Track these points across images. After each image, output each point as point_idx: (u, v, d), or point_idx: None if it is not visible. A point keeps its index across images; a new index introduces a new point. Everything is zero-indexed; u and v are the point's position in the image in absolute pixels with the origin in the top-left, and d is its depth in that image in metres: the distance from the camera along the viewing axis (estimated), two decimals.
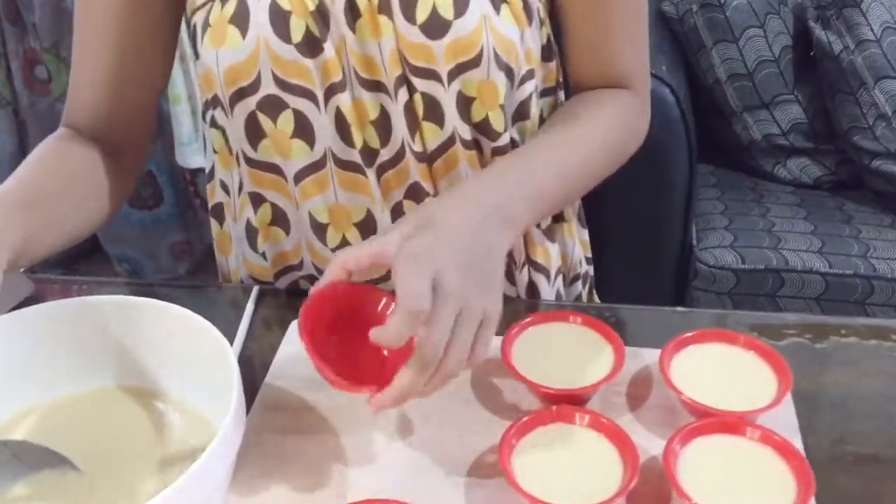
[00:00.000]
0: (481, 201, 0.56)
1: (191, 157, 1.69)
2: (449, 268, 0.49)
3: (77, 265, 2.08)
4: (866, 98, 1.51)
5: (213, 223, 0.81)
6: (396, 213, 0.71)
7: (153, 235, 1.97)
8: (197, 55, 0.68)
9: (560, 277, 0.79)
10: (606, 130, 0.69)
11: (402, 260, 0.48)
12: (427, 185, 0.69)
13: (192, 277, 2.03)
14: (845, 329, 0.69)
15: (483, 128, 0.67)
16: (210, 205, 0.80)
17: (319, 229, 0.72)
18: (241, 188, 0.74)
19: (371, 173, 0.68)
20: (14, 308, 0.58)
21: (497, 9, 0.63)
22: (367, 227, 0.71)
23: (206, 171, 0.79)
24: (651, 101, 1.33)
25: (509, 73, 0.65)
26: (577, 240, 0.81)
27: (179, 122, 1.65)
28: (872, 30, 1.49)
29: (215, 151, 0.75)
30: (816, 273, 1.42)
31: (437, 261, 0.49)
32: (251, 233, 0.76)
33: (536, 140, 0.66)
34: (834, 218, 1.55)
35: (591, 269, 0.86)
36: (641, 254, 1.49)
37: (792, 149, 1.63)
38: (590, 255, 0.85)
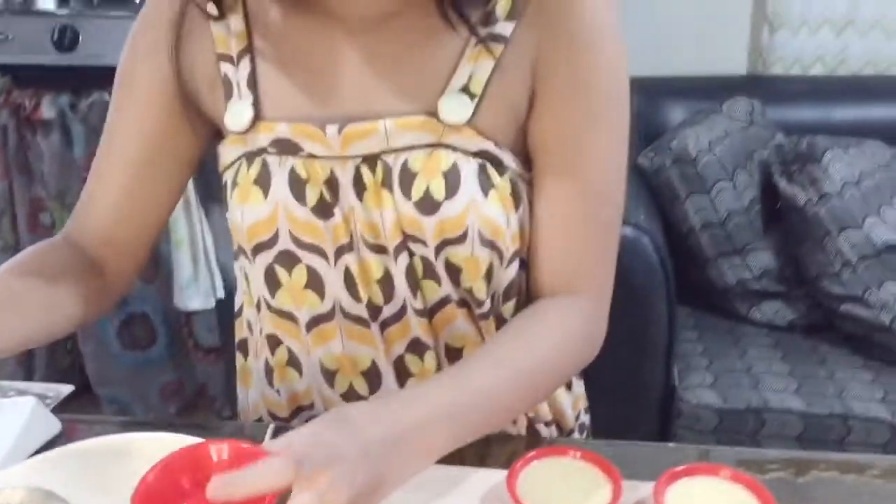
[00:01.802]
0: (401, 421, 0.57)
1: (189, 300, 1.74)
2: (337, 491, 0.50)
3: (65, 408, 2.08)
4: (831, 246, 1.61)
5: (239, 356, 0.86)
6: (399, 364, 0.75)
7: (144, 376, 1.99)
8: (227, 208, 0.75)
9: (554, 426, 0.84)
10: (554, 354, 0.69)
11: (299, 480, 0.49)
12: (427, 340, 0.74)
13: (182, 418, 2.04)
14: (825, 464, 0.73)
15: (470, 294, 0.73)
16: (237, 339, 0.86)
17: (328, 375, 0.77)
18: (260, 330, 0.80)
19: (375, 327, 0.74)
20: (42, 448, 0.61)
21: (485, 193, 0.69)
22: (373, 377, 0.76)
23: (236, 308, 0.85)
24: (631, 248, 1.43)
25: (496, 250, 0.71)
26: (573, 394, 0.85)
27: (180, 266, 1.71)
28: (833, 183, 1.61)
29: (243, 292, 0.81)
30: (795, 413, 1.47)
31: (330, 483, 0.50)
32: (269, 371, 0.81)
33: (478, 360, 0.67)
34: (809, 359, 1.62)
35: (587, 419, 0.90)
36: (626, 394, 1.54)
37: (765, 293, 1.72)
38: (587, 404, 0.89)
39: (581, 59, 0.68)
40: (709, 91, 1.98)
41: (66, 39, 1.82)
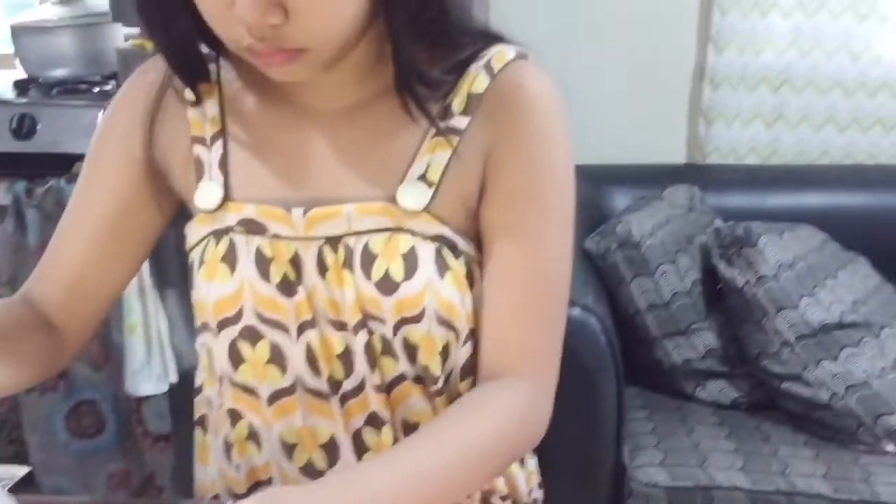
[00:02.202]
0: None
1: (142, 384, 1.73)
2: None
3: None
4: (770, 326, 1.67)
5: (197, 433, 0.87)
6: (357, 438, 0.77)
7: (92, 465, 1.95)
8: (192, 285, 0.78)
9: (510, 501, 0.85)
10: (492, 436, 0.70)
11: None
12: (385, 415, 0.77)
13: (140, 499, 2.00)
14: None
15: (426, 371, 0.76)
16: (196, 416, 0.87)
17: (288, 449, 0.79)
18: (220, 405, 0.81)
19: (335, 401, 0.76)
20: None
21: (441, 275, 0.73)
22: (332, 450, 0.78)
23: (196, 385, 0.86)
24: (579, 330, 1.47)
25: (452, 330, 0.74)
26: (527, 469, 0.87)
27: (133, 351, 1.71)
28: (769, 266, 1.68)
29: (204, 369, 0.83)
30: (741, 490, 1.51)
31: None
32: (228, 447, 0.82)
33: (418, 441, 0.69)
34: (753, 437, 1.66)
35: (541, 494, 0.91)
36: (578, 473, 1.56)
37: (709, 372, 1.77)
38: (540, 479, 0.91)
39: (530, 154, 0.73)
40: (651, 179, 2.07)
41: (24, 127, 1.85)
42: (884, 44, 2.10)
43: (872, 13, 2.07)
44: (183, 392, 1.84)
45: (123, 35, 1.60)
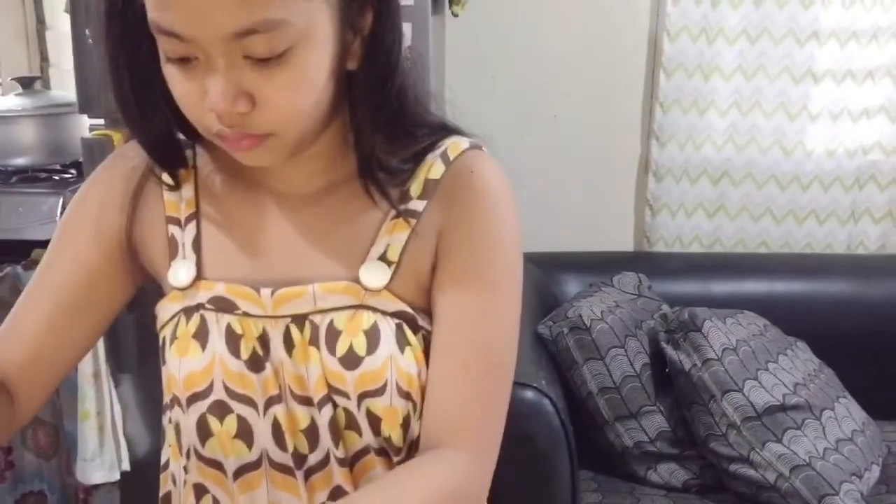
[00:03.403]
0: None
1: (93, 473, 1.70)
2: None
3: None
4: (717, 409, 1.73)
5: None
6: None
7: None
8: (164, 361, 0.80)
9: None
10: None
11: None
12: (349, 488, 0.78)
13: None
14: None
15: (388, 442, 0.78)
16: (161, 493, 0.87)
17: None
18: (185, 481, 0.82)
19: (300, 475, 0.78)
20: None
21: (402, 349, 0.76)
22: None
23: (162, 462, 0.87)
24: (534, 412, 1.50)
25: (411, 401, 0.77)
26: None
27: (85, 439, 1.69)
28: (714, 350, 1.75)
29: (170, 445, 0.84)
30: None
31: None
32: None
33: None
34: None
35: None
36: None
37: (660, 455, 1.80)
38: None
39: (480, 234, 0.78)
40: (600, 266, 2.15)
41: None
42: (813, 140, 2.24)
43: (803, 112, 2.21)
44: (136, 481, 1.81)
45: (88, 126, 1.64)
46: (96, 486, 1.86)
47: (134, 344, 1.70)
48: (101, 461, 1.70)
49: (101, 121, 1.64)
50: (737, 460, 1.71)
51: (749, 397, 1.72)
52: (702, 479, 1.80)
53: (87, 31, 1.48)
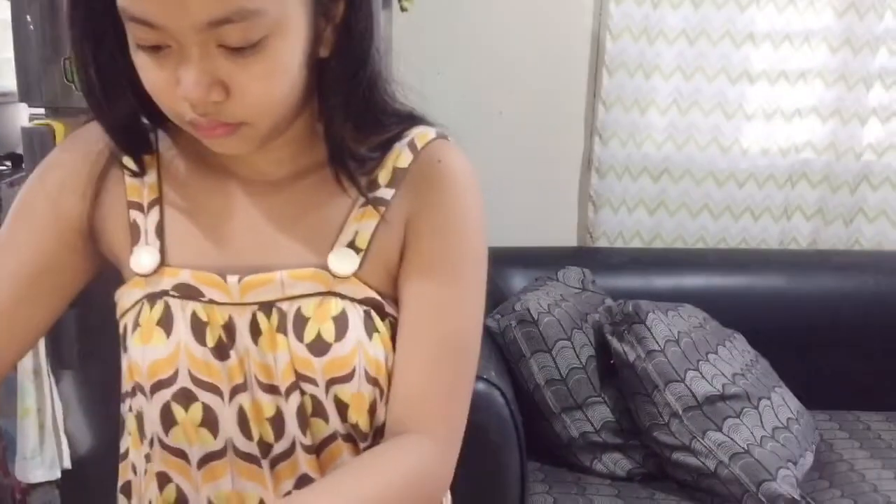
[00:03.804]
0: None
1: (32, 471, 1.66)
2: None
3: None
4: (660, 399, 1.77)
5: (122, 499, 0.87)
6: None
7: None
8: (125, 349, 0.79)
9: None
10: (387, 488, 0.71)
11: None
12: (315, 475, 0.79)
13: None
14: None
15: (356, 429, 0.79)
16: (120, 483, 0.86)
17: None
18: (146, 470, 0.81)
19: (265, 464, 0.78)
20: None
21: (370, 336, 0.77)
22: None
23: (121, 451, 0.86)
24: (484, 404, 1.52)
25: (378, 387, 0.78)
26: None
27: (25, 436, 1.64)
28: (657, 342, 1.79)
29: (129, 434, 0.83)
30: None
31: None
32: None
33: (316, 491, 0.69)
34: None
35: None
36: None
37: (605, 445, 1.84)
38: None
39: (446, 222, 0.79)
40: (545, 261, 2.18)
41: None
42: (749, 139, 2.31)
43: (738, 111, 2.28)
44: (76, 480, 1.77)
45: (28, 115, 1.60)
46: (34, 486, 1.81)
47: (75, 340, 1.66)
48: (41, 459, 1.66)
49: (41, 110, 1.60)
50: (679, 449, 1.76)
51: (690, 387, 1.76)
52: (645, 468, 1.84)
53: (27, 18, 1.44)
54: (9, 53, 2.30)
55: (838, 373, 2.16)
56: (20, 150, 2.06)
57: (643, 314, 1.82)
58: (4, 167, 2.01)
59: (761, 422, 1.80)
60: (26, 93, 1.52)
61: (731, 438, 1.74)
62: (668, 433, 1.76)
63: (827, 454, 1.94)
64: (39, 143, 1.50)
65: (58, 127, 1.54)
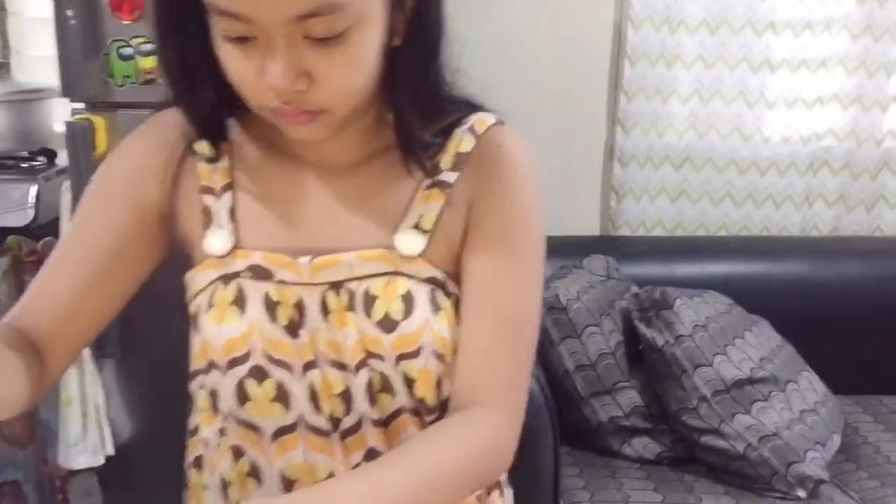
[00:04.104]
0: None
1: (76, 458, 1.70)
2: None
3: None
4: (688, 383, 1.79)
5: (193, 472, 0.89)
6: None
7: None
8: (197, 329, 0.82)
9: None
10: (457, 459, 0.74)
11: None
12: (382, 449, 0.82)
13: None
14: None
15: (422, 403, 0.82)
16: (191, 459, 0.89)
17: (287, 485, 0.82)
18: (219, 444, 0.84)
19: (335, 437, 0.81)
20: None
21: (436, 313, 0.80)
22: None
23: (189, 428, 0.89)
24: None
25: (443, 363, 0.81)
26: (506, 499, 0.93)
27: (68, 424, 1.68)
28: (685, 327, 1.82)
29: (201, 410, 0.86)
30: None
31: None
32: (225, 485, 0.85)
33: (387, 461, 0.74)
34: (677, 489, 1.76)
35: None
36: None
37: (634, 429, 1.87)
38: None
39: (506, 203, 0.82)
40: (569, 249, 2.20)
41: None
42: (770, 127, 2.33)
43: (760, 100, 2.29)
44: (114, 467, 1.81)
45: (70, 110, 1.63)
46: (73, 474, 1.85)
47: (116, 329, 1.69)
48: (84, 446, 1.70)
49: (81, 105, 1.63)
50: (708, 432, 1.78)
51: (719, 371, 1.79)
52: (673, 452, 1.87)
53: (68, 13, 1.47)
54: (41, 51, 2.34)
55: (862, 358, 2.18)
56: (53, 146, 2.10)
57: (671, 300, 1.84)
58: (38, 163, 2.05)
59: (789, 405, 1.82)
60: (69, 87, 1.55)
61: (760, 421, 1.76)
62: (697, 417, 1.79)
63: (852, 437, 1.96)
64: (82, 137, 1.53)
65: (98, 121, 1.58)
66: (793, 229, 2.39)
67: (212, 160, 0.83)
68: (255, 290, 0.79)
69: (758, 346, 1.92)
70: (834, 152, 2.34)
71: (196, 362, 0.84)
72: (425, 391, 0.80)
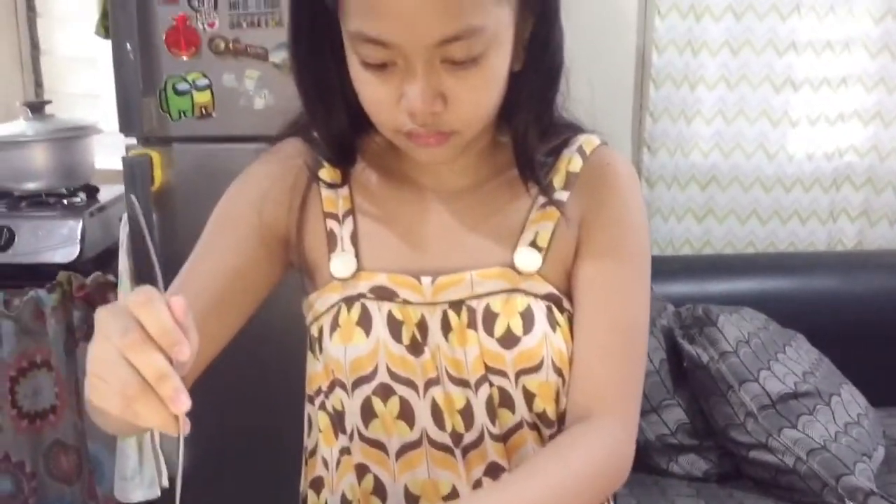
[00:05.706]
0: None
1: (132, 491, 1.70)
2: None
3: None
4: (735, 399, 1.81)
5: (311, 495, 0.91)
6: (477, 488, 0.83)
7: None
8: (320, 350, 0.83)
9: None
10: (585, 469, 0.77)
11: None
12: (503, 463, 0.83)
13: None
14: None
15: (542, 417, 0.84)
16: (310, 479, 0.91)
17: (412, 501, 0.84)
18: (338, 463, 0.86)
19: (458, 453, 0.83)
20: None
21: (553, 329, 0.82)
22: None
23: (308, 449, 0.91)
24: None
25: (562, 377, 0.83)
26: None
27: (126, 457, 1.68)
28: (729, 343, 1.84)
29: (321, 431, 0.88)
30: None
31: None
32: (345, 503, 0.86)
33: (515, 474, 0.76)
34: None
35: None
36: None
37: (681, 446, 1.88)
38: None
39: (616, 219, 0.85)
40: None
41: (1, 239, 1.85)
42: (793, 145, 2.37)
43: (784, 119, 2.34)
44: (170, 498, 1.81)
45: (125, 145, 1.65)
46: None
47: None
48: (140, 479, 1.70)
49: (133, 140, 1.66)
50: (756, 447, 1.80)
51: (764, 386, 1.81)
52: (720, 468, 1.88)
53: (127, 46, 1.50)
54: (83, 88, 2.37)
55: (894, 370, 2.20)
56: (94, 182, 2.12)
57: (714, 317, 1.87)
58: (80, 199, 2.07)
59: (834, 418, 1.84)
60: (126, 124, 1.57)
61: (807, 435, 1.78)
62: (745, 432, 1.80)
63: (893, 449, 1.98)
64: (140, 172, 1.55)
65: (154, 156, 1.60)
66: (819, 244, 2.43)
67: (333, 186, 0.85)
68: (379, 310, 0.81)
69: (798, 360, 1.95)
70: (856, 168, 2.39)
71: (315, 384, 0.86)
72: (546, 405, 0.82)
